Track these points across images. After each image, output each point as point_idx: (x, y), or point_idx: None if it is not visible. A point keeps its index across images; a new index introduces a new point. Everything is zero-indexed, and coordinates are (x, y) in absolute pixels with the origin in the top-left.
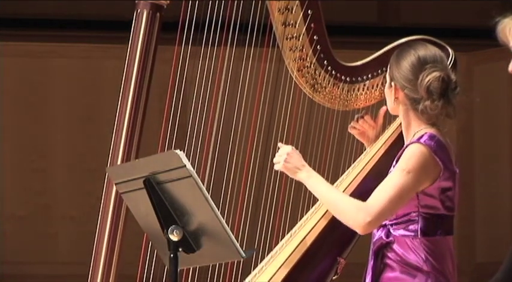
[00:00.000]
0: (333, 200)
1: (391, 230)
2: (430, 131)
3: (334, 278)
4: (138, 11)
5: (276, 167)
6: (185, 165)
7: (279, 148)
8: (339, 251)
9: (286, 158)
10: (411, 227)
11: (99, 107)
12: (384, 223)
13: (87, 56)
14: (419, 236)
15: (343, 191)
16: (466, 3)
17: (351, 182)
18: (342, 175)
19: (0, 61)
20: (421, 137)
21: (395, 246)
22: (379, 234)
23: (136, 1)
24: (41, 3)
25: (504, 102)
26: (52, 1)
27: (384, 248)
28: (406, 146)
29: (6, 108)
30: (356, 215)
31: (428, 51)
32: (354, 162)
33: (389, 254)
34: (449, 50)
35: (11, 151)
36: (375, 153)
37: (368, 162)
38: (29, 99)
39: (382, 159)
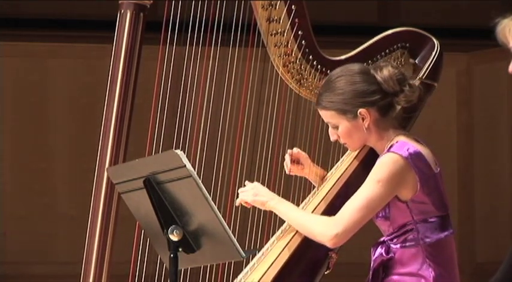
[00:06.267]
0: (303, 221)
1: (391, 245)
2: (400, 138)
3: (326, 273)
4: (122, 11)
5: (245, 199)
6: (185, 165)
7: (245, 185)
8: None
9: (255, 191)
10: (410, 236)
11: (99, 107)
12: (382, 240)
13: (87, 56)
14: (420, 244)
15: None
16: (466, 3)
17: (323, 197)
18: (330, 170)
19: (0, 61)
20: (392, 146)
21: (396, 261)
22: (378, 251)
23: (119, 1)
24: (41, 3)
25: (504, 102)
26: (52, 1)
27: (384, 264)
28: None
29: (6, 108)
30: (324, 229)
31: (351, 65)
32: (342, 156)
33: (389, 269)
34: (434, 41)
35: (11, 151)
36: (347, 167)
37: (341, 176)
38: (29, 99)
39: (356, 172)
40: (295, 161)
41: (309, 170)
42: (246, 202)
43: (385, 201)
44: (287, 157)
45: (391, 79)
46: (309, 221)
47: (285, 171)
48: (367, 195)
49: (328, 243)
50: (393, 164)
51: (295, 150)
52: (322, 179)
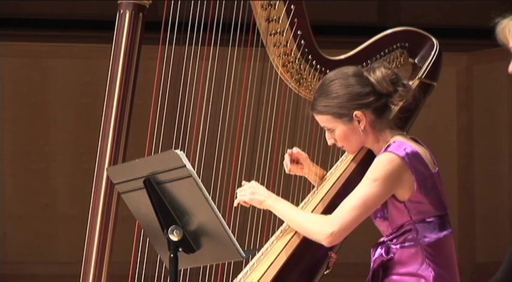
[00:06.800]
0: (299, 219)
1: (391, 246)
2: (397, 138)
3: (325, 272)
4: (121, 11)
5: (243, 198)
6: (185, 165)
7: (242, 185)
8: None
9: (252, 190)
10: (410, 236)
11: (99, 107)
12: (381, 240)
13: (87, 56)
14: (420, 243)
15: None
16: (466, 3)
17: (323, 196)
18: (330, 169)
19: (0, 61)
20: (389, 146)
21: (396, 261)
22: (378, 252)
23: (118, 2)
24: (41, 3)
25: (504, 102)
26: (52, 1)
27: (384, 265)
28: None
29: (6, 108)
30: (320, 227)
31: (345, 68)
32: (341, 156)
33: (389, 269)
34: (434, 40)
35: (11, 151)
36: (346, 168)
37: (340, 176)
38: (29, 99)
39: (356, 172)
40: (295, 160)
41: (308, 170)
42: (244, 201)
43: (381, 200)
44: (287, 157)
45: (384, 80)
46: (305, 220)
47: (284, 171)
48: (363, 194)
49: (324, 242)
50: (389, 163)
51: (295, 149)
52: (322, 178)
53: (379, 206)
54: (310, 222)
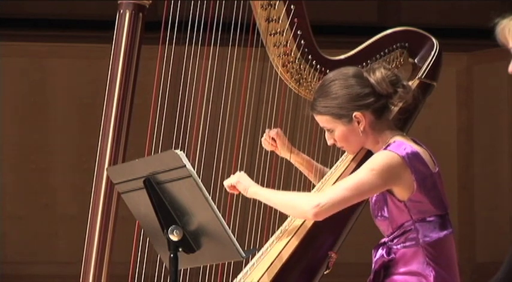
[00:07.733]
0: (285, 198)
1: (393, 247)
2: (397, 138)
3: (325, 272)
4: (121, 11)
5: (229, 182)
6: (185, 165)
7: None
8: (330, 245)
9: (239, 175)
10: (411, 236)
11: (99, 107)
12: (383, 241)
13: (87, 56)
14: (420, 243)
15: None
16: (466, 3)
17: None
18: (330, 169)
19: (0, 61)
20: (388, 145)
21: (397, 261)
22: (380, 252)
23: (118, 2)
24: (41, 3)
25: (504, 102)
26: (52, 1)
27: (385, 265)
28: None
29: (6, 108)
30: (308, 198)
31: (345, 68)
32: (341, 155)
33: (390, 269)
34: (434, 40)
35: (11, 151)
36: (346, 168)
37: (339, 176)
38: (29, 99)
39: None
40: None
41: (285, 153)
42: (230, 186)
43: (374, 190)
44: (266, 134)
45: (384, 81)
46: (292, 196)
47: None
48: (358, 179)
49: (310, 213)
50: (388, 159)
51: (274, 131)
52: (311, 169)
53: (372, 198)
54: (297, 196)
